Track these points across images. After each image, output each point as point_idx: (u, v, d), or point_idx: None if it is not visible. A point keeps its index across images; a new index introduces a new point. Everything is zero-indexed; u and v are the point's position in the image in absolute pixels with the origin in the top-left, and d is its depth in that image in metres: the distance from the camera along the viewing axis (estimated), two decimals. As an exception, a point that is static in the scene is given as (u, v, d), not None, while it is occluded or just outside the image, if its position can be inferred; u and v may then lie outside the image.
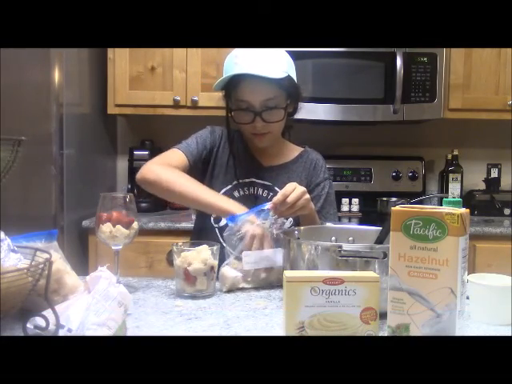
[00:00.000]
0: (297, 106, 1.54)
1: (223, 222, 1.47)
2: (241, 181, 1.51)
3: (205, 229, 1.52)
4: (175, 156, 1.46)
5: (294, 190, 1.26)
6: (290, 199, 1.24)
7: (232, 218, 1.28)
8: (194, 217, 1.62)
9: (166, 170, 1.40)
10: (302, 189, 1.28)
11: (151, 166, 1.42)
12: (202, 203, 1.37)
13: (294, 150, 1.60)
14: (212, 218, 1.51)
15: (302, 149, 1.61)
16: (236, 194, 1.50)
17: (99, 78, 2.55)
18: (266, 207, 1.26)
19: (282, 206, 1.25)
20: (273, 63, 1.37)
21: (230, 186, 1.51)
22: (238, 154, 1.54)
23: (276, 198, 1.25)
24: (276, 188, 1.49)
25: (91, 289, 0.87)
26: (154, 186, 1.39)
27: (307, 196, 1.29)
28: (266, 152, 1.54)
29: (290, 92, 1.44)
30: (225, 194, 1.50)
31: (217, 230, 1.49)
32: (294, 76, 1.43)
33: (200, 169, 1.52)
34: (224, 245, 1.45)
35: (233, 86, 1.42)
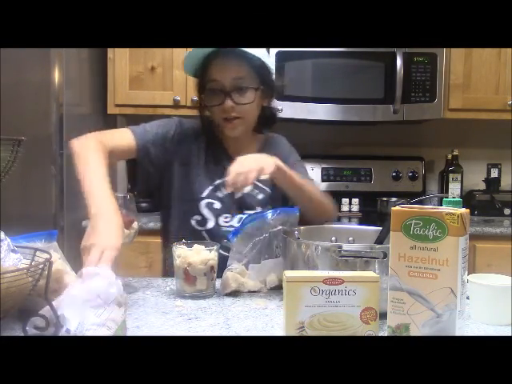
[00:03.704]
0: (271, 94, 1.49)
1: (210, 224, 1.43)
2: (222, 180, 1.41)
3: (187, 231, 1.43)
4: (120, 137, 1.42)
5: (239, 162, 1.23)
6: (233, 170, 1.21)
7: (234, 232, 1.23)
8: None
9: (90, 149, 1.30)
10: (252, 156, 1.27)
11: (85, 139, 1.35)
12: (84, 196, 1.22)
13: (260, 139, 1.56)
14: (194, 221, 1.44)
15: (267, 135, 1.58)
16: (219, 194, 1.45)
17: (99, 78, 2.54)
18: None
19: (235, 178, 1.20)
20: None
21: (211, 187, 1.46)
22: (215, 153, 1.50)
23: (227, 178, 1.22)
24: (257, 183, 1.45)
25: (85, 281, 0.86)
26: (72, 158, 1.32)
27: (261, 160, 1.26)
28: (238, 147, 1.49)
29: (262, 74, 1.42)
30: (209, 195, 1.45)
31: (204, 232, 1.43)
32: (270, 66, 1.43)
33: (168, 167, 1.48)
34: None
35: (204, 66, 1.40)
